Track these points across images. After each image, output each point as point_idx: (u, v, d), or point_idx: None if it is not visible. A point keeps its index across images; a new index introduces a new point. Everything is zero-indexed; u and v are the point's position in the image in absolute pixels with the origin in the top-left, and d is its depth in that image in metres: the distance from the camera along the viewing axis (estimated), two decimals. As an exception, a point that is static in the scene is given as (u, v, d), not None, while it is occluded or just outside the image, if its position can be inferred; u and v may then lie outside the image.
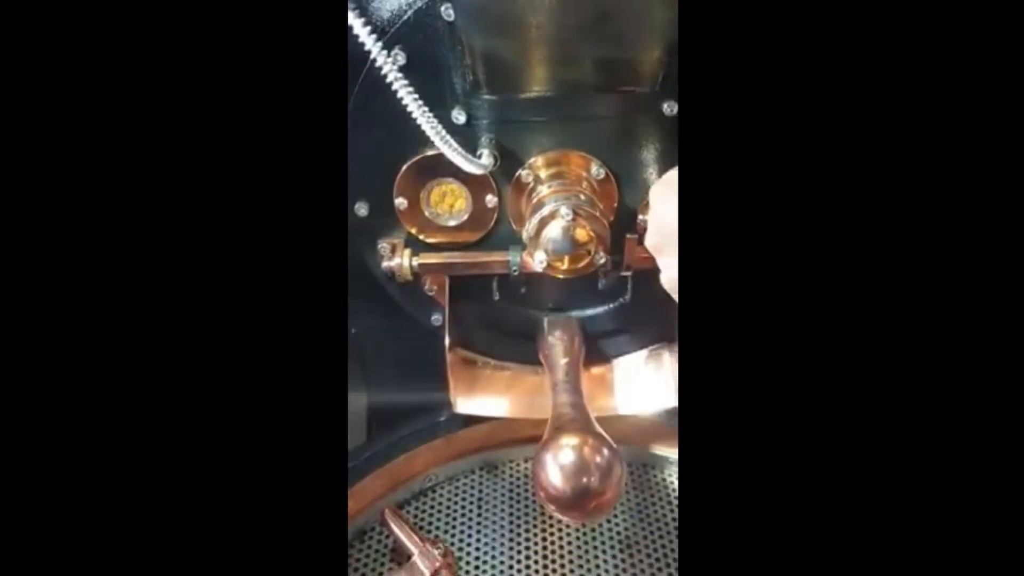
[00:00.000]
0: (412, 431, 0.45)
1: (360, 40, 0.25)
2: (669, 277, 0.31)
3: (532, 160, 0.37)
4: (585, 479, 0.32)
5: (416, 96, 0.28)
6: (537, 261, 0.36)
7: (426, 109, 0.29)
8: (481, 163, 0.33)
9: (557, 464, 0.32)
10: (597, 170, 0.37)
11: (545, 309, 0.44)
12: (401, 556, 0.40)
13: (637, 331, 0.45)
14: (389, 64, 0.27)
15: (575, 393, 0.39)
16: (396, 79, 0.28)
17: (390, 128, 0.36)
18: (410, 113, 0.29)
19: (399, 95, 0.28)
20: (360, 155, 0.36)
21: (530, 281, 0.42)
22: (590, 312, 0.44)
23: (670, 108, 0.35)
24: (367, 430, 0.47)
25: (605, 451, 0.33)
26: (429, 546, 0.38)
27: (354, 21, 0.24)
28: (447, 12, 0.32)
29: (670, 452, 0.48)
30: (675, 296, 0.30)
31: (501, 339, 0.45)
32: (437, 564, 0.36)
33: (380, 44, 0.26)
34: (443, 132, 0.30)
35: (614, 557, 0.42)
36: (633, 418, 0.46)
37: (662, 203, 0.30)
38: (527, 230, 0.37)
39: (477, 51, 0.33)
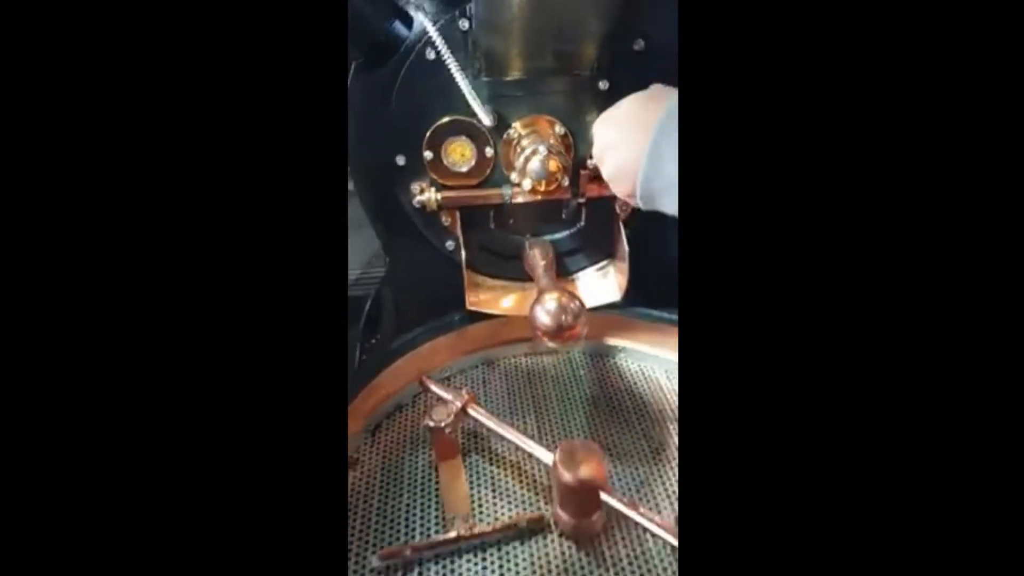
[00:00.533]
0: (433, 326, 0.61)
1: (425, 31, 0.44)
2: (607, 171, 0.48)
3: (515, 123, 0.56)
4: (563, 317, 0.49)
5: (459, 68, 0.47)
6: (524, 187, 0.54)
7: (465, 77, 0.48)
8: (489, 118, 0.51)
9: (545, 310, 0.50)
10: (559, 128, 0.56)
11: (526, 235, 0.62)
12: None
13: (590, 250, 0.63)
14: (445, 49, 0.45)
15: (552, 279, 0.56)
16: (449, 59, 0.46)
17: (422, 102, 0.53)
18: (454, 81, 0.47)
19: (451, 70, 0.47)
20: (401, 122, 0.53)
21: (515, 214, 0.60)
22: (557, 236, 0.62)
23: (604, 85, 0.54)
24: (395, 327, 0.63)
25: (575, 302, 0.50)
26: (456, 390, 0.54)
27: (424, 21, 0.42)
28: (462, 24, 0.50)
29: (618, 342, 0.66)
30: (614, 186, 0.47)
31: (496, 260, 0.63)
32: (465, 399, 0.53)
33: (426, 39, 0.45)
34: (473, 93, 0.48)
35: (586, 413, 0.59)
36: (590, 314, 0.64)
37: (599, 130, 0.49)
38: (516, 168, 0.55)
39: (480, 49, 0.51)
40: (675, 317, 0.61)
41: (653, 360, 0.64)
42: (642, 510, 0.43)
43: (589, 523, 0.46)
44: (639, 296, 0.62)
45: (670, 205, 0.41)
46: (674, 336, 0.62)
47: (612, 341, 0.66)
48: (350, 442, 0.55)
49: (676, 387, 0.61)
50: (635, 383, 0.62)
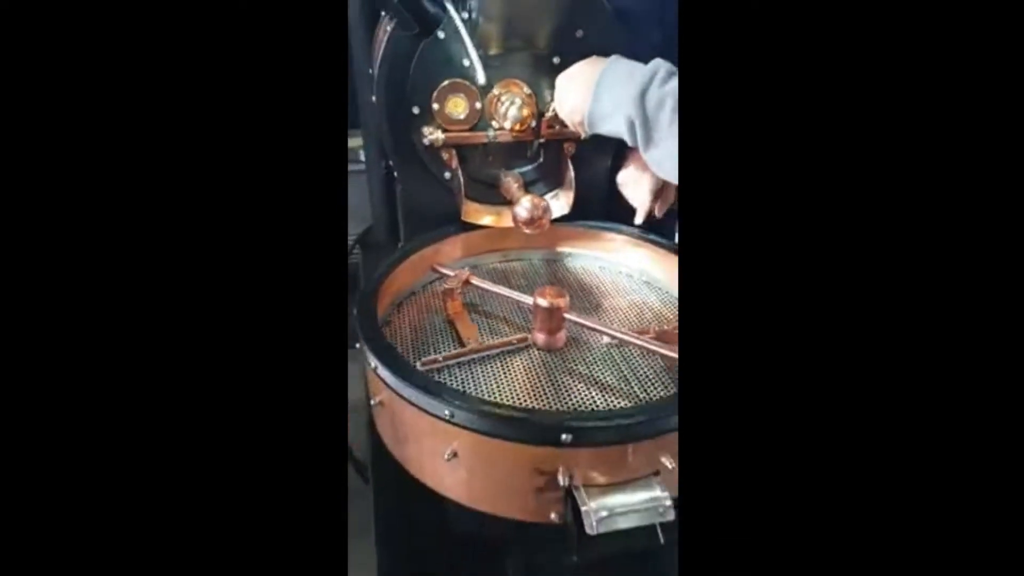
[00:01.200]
0: (436, 233, 0.84)
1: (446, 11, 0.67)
2: (564, 110, 0.74)
3: (496, 85, 0.80)
4: (535, 211, 0.75)
5: (469, 40, 0.71)
6: (506, 127, 0.79)
7: (473, 47, 0.71)
8: (483, 78, 0.76)
9: (523, 207, 0.75)
10: (526, 89, 0.81)
11: (502, 168, 0.87)
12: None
13: (546, 180, 0.89)
14: (464, 30, 0.69)
15: (523, 193, 0.82)
16: (465, 37, 0.70)
17: (432, 68, 0.77)
18: (454, 54, 0.71)
19: (465, 44, 0.70)
20: (417, 82, 0.77)
21: (494, 153, 0.85)
22: (523, 170, 0.87)
23: (556, 60, 0.79)
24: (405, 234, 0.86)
25: (543, 201, 0.76)
26: (460, 270, 0.78)
27: (451, 9, 0.65)
28: (464, 15, 0.74)
29: (564, 249, 0.91)
30: (569, 118, 0.73)
31: (480, 188, 0.87)
32: (467, 273, 0.76)
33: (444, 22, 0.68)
34: (478, 58, 0.72)
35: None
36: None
37: (559, 83, 0.74)
38: (497, 116, 0.79)
39: (476, 32, 0.75)
40: (604, 224, 0.88)
41: (590, 259, 0.90)
42: (591, 322, 0.69)
43: (555, 339, 0.70)
44: (578, 213, 0.88)
45: (607, 129, 0.67)
46: (603, 239, 0.88)
47: (561, 248, 0.92)
48: (384, 312, 0.77)
49: (606, 277, 0.88)
50: (577, 274, 0.89)
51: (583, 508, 0.51)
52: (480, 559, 0.70)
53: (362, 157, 1.89)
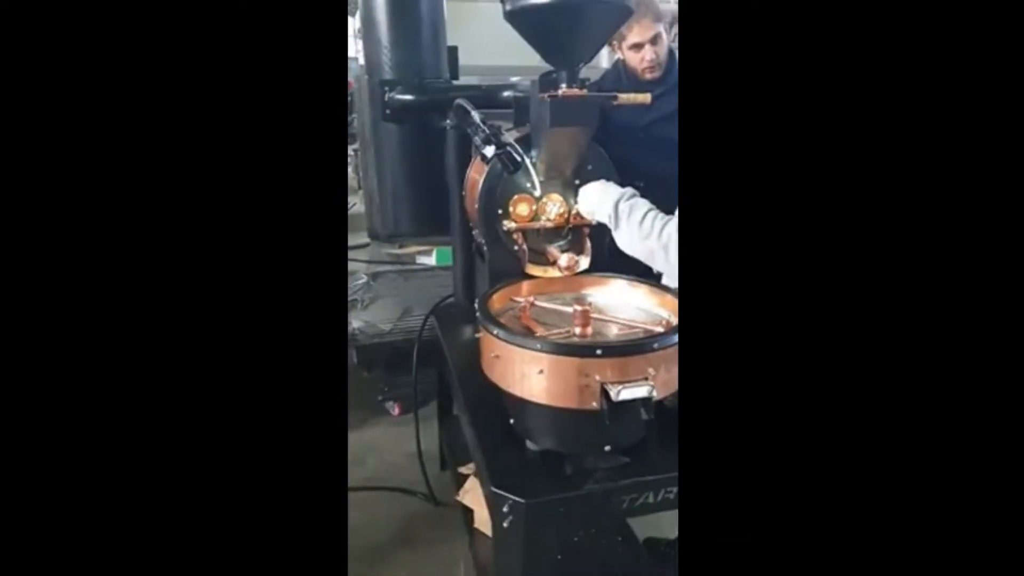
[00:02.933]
0: (508, 282, 1.40)
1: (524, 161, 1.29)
2: (584, 209, 1.35)
3: (544, 196, 1.41)
4: (570, 261, 1.32)
5: (534, 172, 1.33)
6: (550, 220, 1.39)
7: (535, 175, 1.34)
8: (539, 192, 1.37)
9: (563, 258, 1.32)
10: (560, 198, 1.42)
11: (547, 243, 1.45)
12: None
13: (573, 249, 1.47)
14: (531, 166, 1.31)
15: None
16: (531, 169, 1.32)
17: (509, 187, 1.38)
18: (520, 175, 1.34)
19: (531, 172, 1.32)
20: (503, 195, 1.38)
21: (545, 236, 1.44)
22: (560, 243, 1.46)
23: (577, 182, 1.40)
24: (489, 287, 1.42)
25: (575, 256, 1.33)
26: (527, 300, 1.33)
27: (524, 157, 1.27)
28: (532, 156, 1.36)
29: (585, 291, 1.47)
30: (585, 214, 1.34)
31: (535, 255, 1.44)
32: (532, 300, 1.31)
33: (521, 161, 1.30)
34: (536, 180, 1.35)
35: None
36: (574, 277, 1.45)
37: (582, 194, 1.36)
38: (544, 213, 1.40)
39: (533, 165, 1.37)
40: (610, 275, 1.44)
41: (604, 296, 1.45)
42: (607, 316, 1.23)
43: (586, 331, 1.23)
44: (593, 268, 1.45)
45: (600, 218, 1.28)
46: (610, 284, 1.44)
47: (584, 291, 1.47)
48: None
49: (612, 300, 1.42)
50: (596, 304, 1.43)
51: (610, 392, 1.01)
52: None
53: (419, 260, 2.67)
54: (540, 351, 1.05)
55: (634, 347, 1.05)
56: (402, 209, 1.82)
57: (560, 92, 1.20)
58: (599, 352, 1.03)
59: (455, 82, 1.77)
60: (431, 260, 2.69)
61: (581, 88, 1.22)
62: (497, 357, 1.14)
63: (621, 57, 1.84)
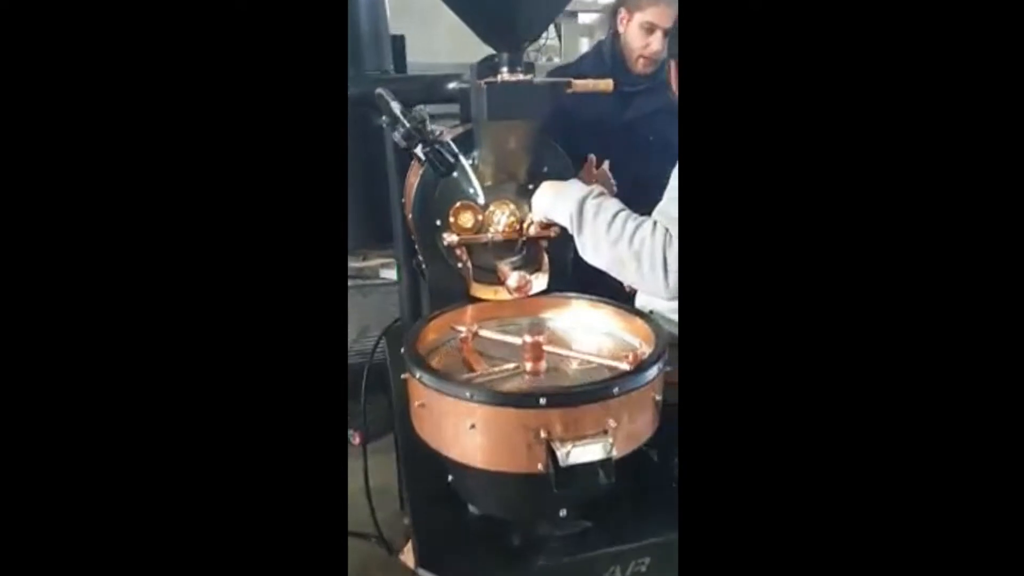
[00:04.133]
0: (451, 306, 1.18)
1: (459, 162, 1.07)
2: (537, 215, 1.13)
3: (491, 204, 1.19)
4: (521, 280, 1.10)
5: (473, 177, 1.11)
6: (498, 231, 1.17)
7: (475, 183, 1.12)
8: (483, 200, 1.16)
9: (512, 278, 1.10)
10: (512, 206, 1.20)
11: (498, 259, 1.23)
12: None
13: (529, 267, 1.25)
14: (471, 171, 1.09)
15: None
16: (472, 177, 1.10)
17: (448, 194, 1.16)
18: (464, 184, 1.11)
19: (472, 180, 1.11)
20: (439, 203, 1.16)
21: (493, 250, 1.22)
22: (513, 259, 1.24)
23: (532, 187, 1.19)
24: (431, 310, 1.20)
25: (526, 277, 1.11)
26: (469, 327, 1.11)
27: (463, 161, 1.05)
28: (472, 160, 1.15)
29: (544, 314, 1.25)
30: (538, 217, 1.11)
31: (482, 273, 1.22)
32: (476, 328, 1.09)
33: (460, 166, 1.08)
34: (479, 189, 1.13)
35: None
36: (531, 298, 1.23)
37: (536, 198, 1.13)
38: (492, 223, 1.18)
39: (478, 172, 1.15)
40: (570, 294, 1.22)
41: (565, 319, 1.24)
42: (563, 350, 1.01)
43: (538, 366, 1.02)
44: (553, 287, 1.23)
45: (557, 219, 1.05)
46: (571, 305, 1.22)
47: (542, 314, 1.25)
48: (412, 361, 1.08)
49: (575, 331, 1.21)
50: (555, 328, 1.22)
51: (557, 453, 0.80)
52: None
53: (381, 275, 2.40)
54: (470, 400, 0.84)
55: (588, 394, 0.83)
56: (343, 219, 1.59)
57: (499, 78, 0.99)
58: (543, 401, 0.81)
59: (397, 75, 1.55)
60: (394, 274, 2.48)
61: (527, 74, 1.00)
62: (422, 406, 0.92)
63: (619, 32, 1.61)
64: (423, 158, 1.03)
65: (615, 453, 0.81)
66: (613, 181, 1.28)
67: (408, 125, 0.94)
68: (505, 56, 0.99)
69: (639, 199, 1.06)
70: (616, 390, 0.83)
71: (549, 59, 3.08)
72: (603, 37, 1.76)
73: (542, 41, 2.84)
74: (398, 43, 1.62)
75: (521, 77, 1.00)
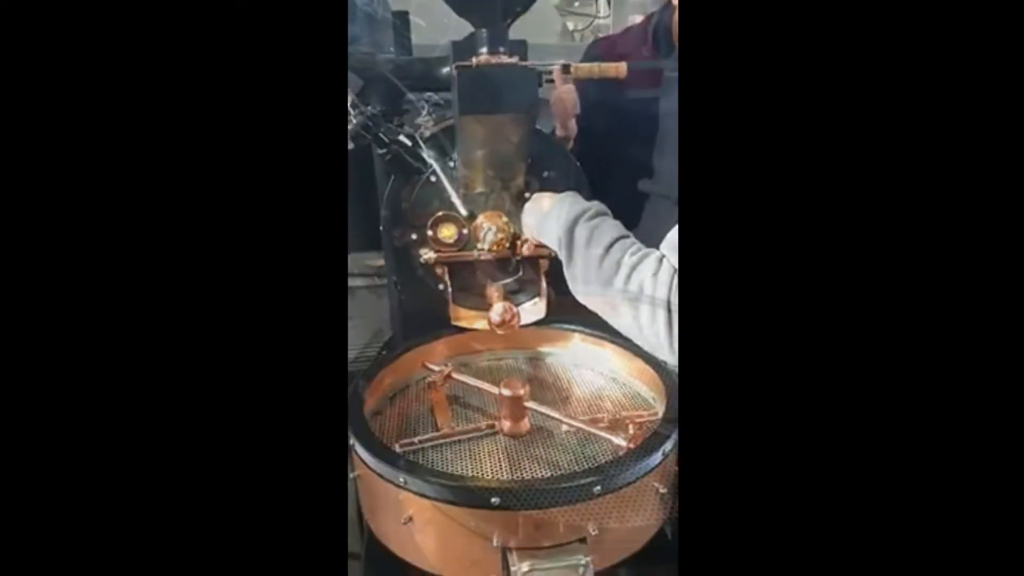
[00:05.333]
0: (429, 336, 0.99)
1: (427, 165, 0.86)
2: (528, 231, 0.90)
3: (480, 216, 0.98)
4: (505, 315, 0.88)
5: (453, 186, 0.90)
6: (484, 248, 0.95)
7: (455, 190, 0.91)
8: (464, 211, 0.94)
9: (495, 311, 0.89)
10: (503, 218, 0.98)
11: (488, 282, 1.02)
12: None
13: (526, 291, 1.03)
14: (444, 177, 0.88)
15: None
16: (447, 182, 0.88)
17: (426, 203, 0.96)
18: (446, 192, 0.90)
19: (447, 187, 0.89)
20: (415, 214, 0.95)
21: (481, 269, 1.01)
22: (506, 281, 1.02)
23: (527, 195, 0.97)
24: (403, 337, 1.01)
25: (512, 307, 0.89)
26: (443, 366, 0.91)
27: (433, 163, 0.85)
28: (451, 163, 0.93)
29: (542, 348, 1.03)
30: (528, 234, 0.89)
31: (468, 296, 1.02)
32: (450, 369, 0.89)
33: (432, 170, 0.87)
34: (459, 197, 0.91)
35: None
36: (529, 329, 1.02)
37: (527, 209, 0.91)
38: (480, 240, 0.96)
39: (461, 176, 0.94)
40: (574, 327, 1.00)
41: (565, 356, 1.02)
42: (550, 410, 0.79)
43: (519, 426, 0.81)
44: (553, 317, 1.01)
45: (547, 242, 0.81)
46: (573, 339, 1.00)
47: (541, 348, 1.04)
48: (378, 403, 0.90)
49: (576, 372, 0.99)
50: (554, 369, 1.00)
51: (512, 568, 0.59)
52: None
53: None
54: (403, 488, 0.64)
55: (557, 494, 0.62)
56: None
57: (476, 60, 0.77)
58: (495, 501, 0.60)
59: (394, 57, 1.35)
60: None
61: (512, 55, 0.78)
62: (359, 477, 0.74)
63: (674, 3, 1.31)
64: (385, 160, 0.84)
65: (589, 568, 0.60)
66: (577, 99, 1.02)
67: (355, 121, 0.74)
68: (484, 33, 0.77)
69: (671, 214, 0.81)
70: (598, 489, 0.61)
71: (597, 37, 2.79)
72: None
73: (593, 20, 2.49)
74: (401, 21, 1.41)
75: (505, 60, 0.77)
